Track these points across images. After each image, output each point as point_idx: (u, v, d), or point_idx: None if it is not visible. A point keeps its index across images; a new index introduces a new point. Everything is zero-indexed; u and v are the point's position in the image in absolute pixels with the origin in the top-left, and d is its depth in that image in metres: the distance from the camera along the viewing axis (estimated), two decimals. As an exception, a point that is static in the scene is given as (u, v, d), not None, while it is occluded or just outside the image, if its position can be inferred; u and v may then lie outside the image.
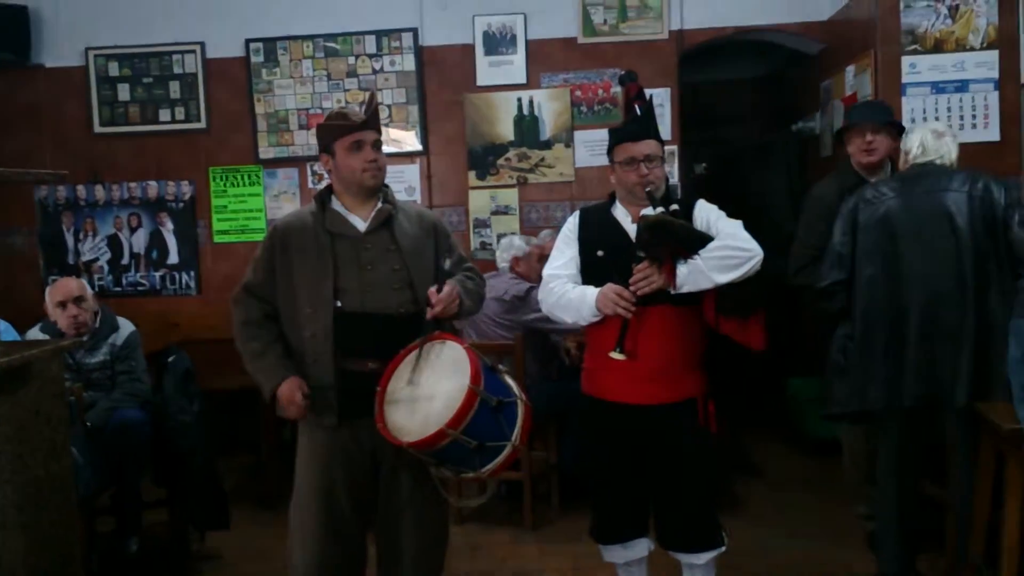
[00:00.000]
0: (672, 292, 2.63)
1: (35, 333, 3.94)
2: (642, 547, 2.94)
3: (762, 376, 6.13)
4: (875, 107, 3.84)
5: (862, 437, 3.62)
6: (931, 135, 3.29)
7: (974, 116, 4.46)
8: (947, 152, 3.26)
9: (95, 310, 3.96)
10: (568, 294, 2.78)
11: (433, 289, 2.66)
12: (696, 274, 2.60)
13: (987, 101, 4.45)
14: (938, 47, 4.47)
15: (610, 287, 2.66)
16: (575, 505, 4.38)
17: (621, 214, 2.85)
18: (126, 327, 4.01)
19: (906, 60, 4.48)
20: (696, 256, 2.60)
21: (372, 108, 2.73)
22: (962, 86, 4.47)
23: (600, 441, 2.86)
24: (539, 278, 4.43)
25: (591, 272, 2.82)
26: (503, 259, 4.60)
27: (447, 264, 2.83)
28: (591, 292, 2.72)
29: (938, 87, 4.48)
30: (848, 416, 3.31)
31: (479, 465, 2.51)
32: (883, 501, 3.25)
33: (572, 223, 2.93)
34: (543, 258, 4.55)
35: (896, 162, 3.54)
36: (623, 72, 3.13)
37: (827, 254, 3.26)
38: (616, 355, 2.65)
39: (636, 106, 2.92)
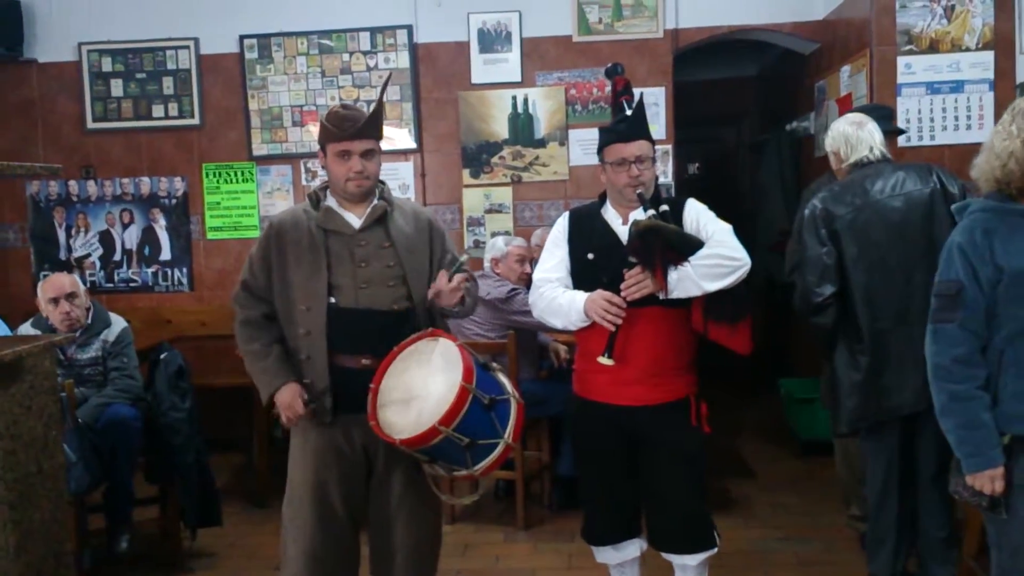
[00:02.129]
0: (662, 297, 2.62)
1: (27, 328, 3.92)
2: (634, 548, 2.94)
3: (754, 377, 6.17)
4: (879, 114, 3.77)
5: (855, 439, 3.61)
6: (852, 128, 3.21)
7: (969, 117, 4.47)
8: (870, 138, 3.18)
9: (87, 306, 3.95)
10: (558, 299, 2.76)
11: (443, 277, 2.65)
12: (686, 281, 2.60)
13: (982, 102, 4.46)
14: (933, 47, 4.48)
15: (600, 294, 2.65)
16: (568, 504, 4.38)
17: (611, 216, 2.83)
18: (118, 323, 4.00)
19: (901, 60, 4.49)
20: (687, 263, 2.60)
21: (373, 112, 2.67)
22: (957, 86, 4.48)
23: (591, 443, 2.85)
24: (519, 279, 4.48)
25: (581, 275, 2.80)
26: (486, 260, 4.62)
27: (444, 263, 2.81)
28: (580, 298, 2.70)
29: (933, 87, 4.49)
30: (866, 428, 3.17)
31: (471, 463, 2.51)
32: (883, 510, 3.16)
33: (561, 225, 2.90)
34: (521, 259, 4.56)
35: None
36: (609, 64, 3.02)
37: (810, 267, 3.10)
38: (605, 360, 2.65)
39: (624, 101, 2.83)
